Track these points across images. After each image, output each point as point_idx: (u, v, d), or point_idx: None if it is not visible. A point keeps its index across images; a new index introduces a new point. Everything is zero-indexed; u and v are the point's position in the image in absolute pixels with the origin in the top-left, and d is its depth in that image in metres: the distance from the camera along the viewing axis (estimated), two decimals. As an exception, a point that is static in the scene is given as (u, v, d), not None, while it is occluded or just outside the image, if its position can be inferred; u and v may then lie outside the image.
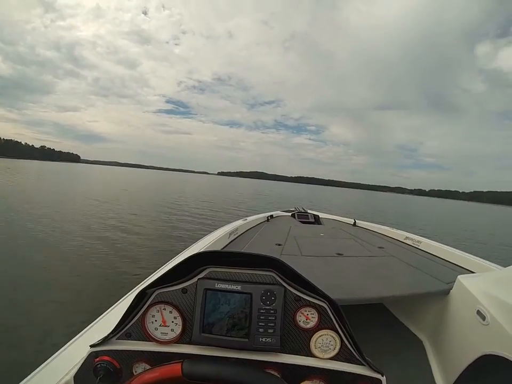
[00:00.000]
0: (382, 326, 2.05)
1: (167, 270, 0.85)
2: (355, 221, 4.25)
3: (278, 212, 5.06)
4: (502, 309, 1.20)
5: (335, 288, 1.54)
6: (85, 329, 0.93)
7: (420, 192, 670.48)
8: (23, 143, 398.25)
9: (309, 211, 5.23)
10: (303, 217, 4.85)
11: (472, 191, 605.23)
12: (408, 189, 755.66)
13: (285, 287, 0.79)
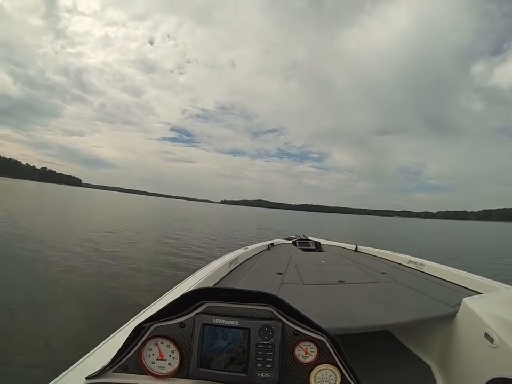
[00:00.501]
0: (389, 353, 2.01)
1: (164, 303, 0.85)
2: (357, 247, 4.22)
3: (279, 239, 4.98)
4: (510, 331, 1.19)
5: (338, 317, 1.51)
6: (80, 360, 0.91)
7: (427, 215, 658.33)
8: (23, 163, 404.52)
9: (310, 238, 5.15)
10: (304, 244, 4.78)
11: (481, 210, 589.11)
12: (415, 212, 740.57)
13: (282, 321, 0.80)
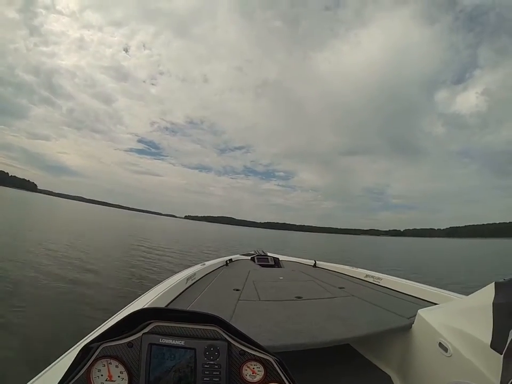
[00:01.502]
0: (349, 365, 2.08)
1: (112, 323, 0.84)
2: (315, 262, 4.34)
3: (238, 255, 5.08)
4: (462, 340, 1.27)
5: (296, 333, 1.54)
6: (28, 383, 0.90)
7: (395, 233, 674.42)
8: None
9: (269, 254, 5.27)
10: (262, 260, 4.86)
11: (448, 227, 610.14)
12: (383, 231, 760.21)
13: (228, 341, 0.83)
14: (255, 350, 0.83)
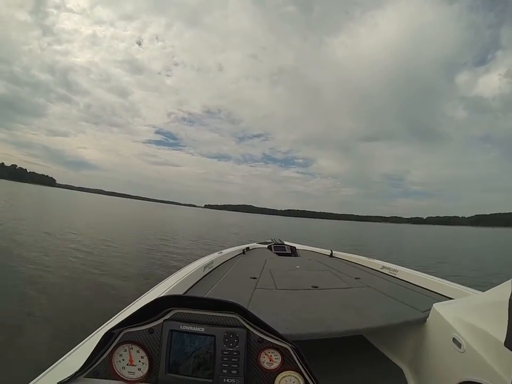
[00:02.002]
0: (362, 357, 2.09)
1: (135, 309, 0.88)
2: (332, 252, 4.35)
3: (255, 244, 5.11)
4: (476, 336, 1.24)
5: (311, 322, 1.56)
6: (52, 365, 0.94)
7: (417, 221, 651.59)
8: None
9: (285, 243, 5.30)
10: (279, 249, 4.90)
11: (473, 215, 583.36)
12: (405, 218, 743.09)
13: (247, 329, 0.85)
14: (273, 338, 0.85)
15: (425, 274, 2.61)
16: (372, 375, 1.86)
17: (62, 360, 0.98)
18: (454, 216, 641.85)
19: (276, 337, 0.85)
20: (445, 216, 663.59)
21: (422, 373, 1.67)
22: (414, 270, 2.84)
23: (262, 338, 0.84)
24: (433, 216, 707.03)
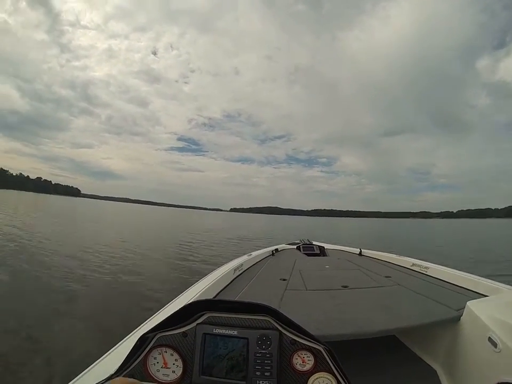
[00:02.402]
0: (395, 358, 2.03)
1: (168, 313, 0.91)
2: (361, 251, 4.36)
3: (283, 245, 5.20)
4: None
5: (342, 323, 1.54)
6: (89, 367, 0.99)
7: (447, 215, 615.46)
8: (13, 173, 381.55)
9: (314, 243, 5.36)
10: (308, 249, 4.97)
11: (506, 206, 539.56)
12: (434, 213, 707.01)
13: (280, 331, 0.85)
14: (306, 339, 0.85)
15: (457, 271, 2.56)
16: (405, 376, 1.81)
17: (99, 362, 1.03)
18: (486, 208, 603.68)
19: (308, 339, 0.85)
20: (476, 209, 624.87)
21: (456, 374, 1.60)
22: (446, 266, 2.81)
23: (294, 340, 0.84)
24: (464, 209, 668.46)
